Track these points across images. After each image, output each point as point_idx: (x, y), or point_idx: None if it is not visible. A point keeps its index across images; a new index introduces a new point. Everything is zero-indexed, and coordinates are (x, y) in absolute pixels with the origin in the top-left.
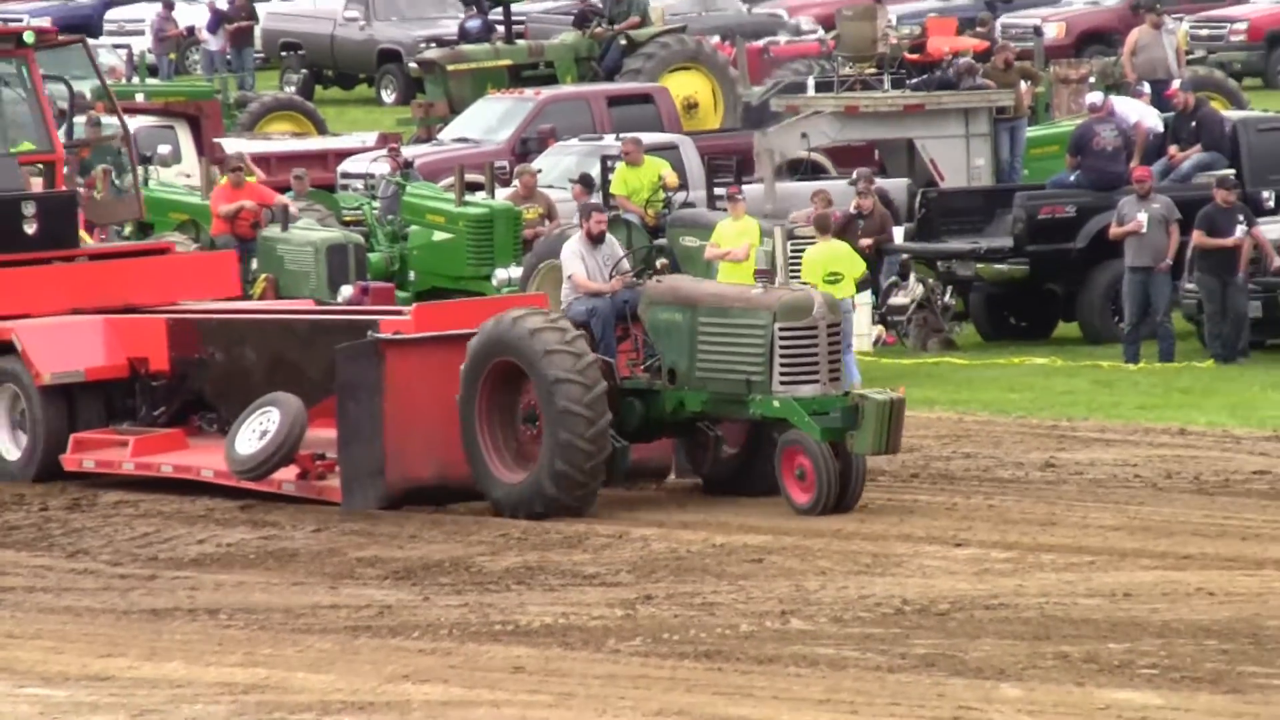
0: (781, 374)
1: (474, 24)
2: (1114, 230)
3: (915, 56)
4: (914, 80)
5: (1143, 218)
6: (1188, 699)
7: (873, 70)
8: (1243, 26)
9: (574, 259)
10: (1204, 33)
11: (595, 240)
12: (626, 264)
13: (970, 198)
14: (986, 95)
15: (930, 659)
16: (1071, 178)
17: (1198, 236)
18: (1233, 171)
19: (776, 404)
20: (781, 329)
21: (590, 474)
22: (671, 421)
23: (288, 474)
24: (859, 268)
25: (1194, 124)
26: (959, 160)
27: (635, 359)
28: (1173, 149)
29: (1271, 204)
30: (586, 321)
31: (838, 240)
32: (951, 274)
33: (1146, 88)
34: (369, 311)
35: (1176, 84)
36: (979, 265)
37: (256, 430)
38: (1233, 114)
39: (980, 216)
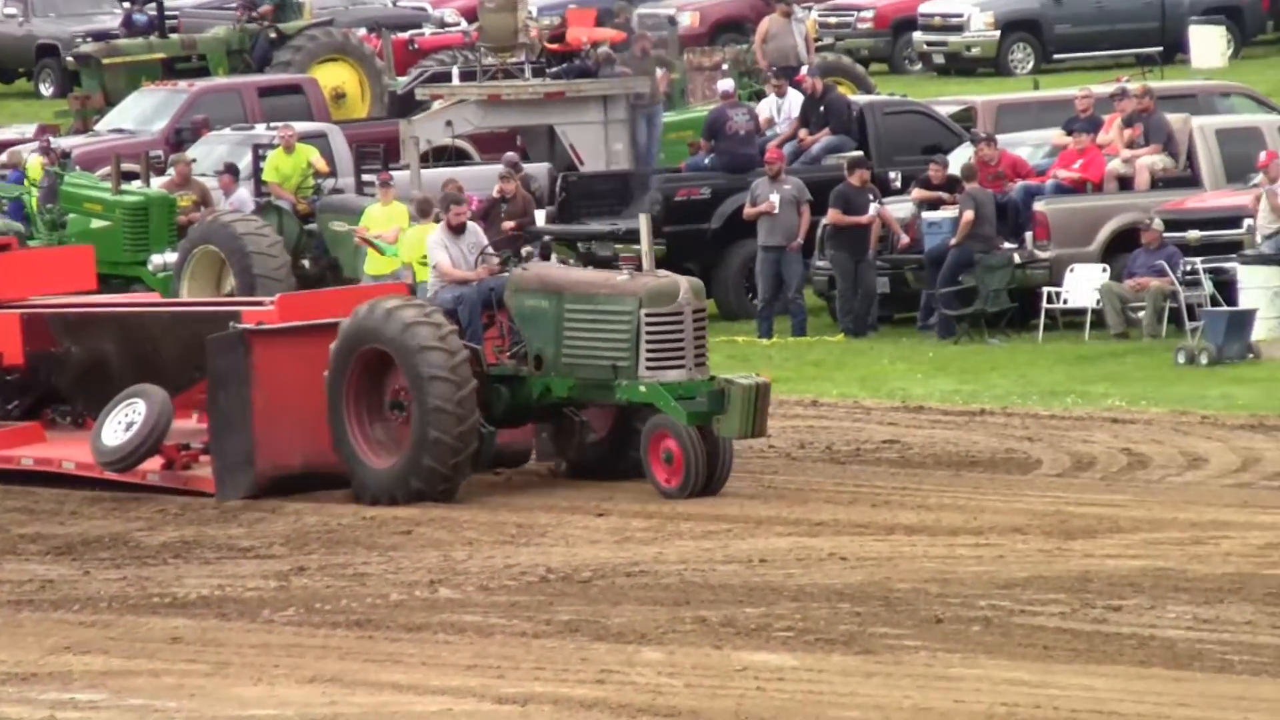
0: (648, 359)
1: (140, 18)
2: (748, 211)
3: (555, 46)
4: (554, 69)
5: (775, 199)
6: (821, 660)
7: (514, 60)
8: (869, 15)
9: (438, 248)
10: (832, 21)
11: (456, 230)
12: (492, 251)
13: (609, 181)
14: (624, 83)
15: (574, 625)
16: (706, 161)
17: (834, 215)
18: (861, 153)
19: (643, 389)
20: (648, 315)
21: (455, 469)
22: (538, 407)
23: (153, 465)
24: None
25: (823, 108)
26: (598, 145)
27: (501, 345)
28: (803, 132)
29: (899, 184)
30: (454, 309)
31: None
32: (591, 254)
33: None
34: (231, 303)
35: (805, 70)
36: (618, 245)
37: (122, 422)
38: (860, 98)
39: (619, 199)
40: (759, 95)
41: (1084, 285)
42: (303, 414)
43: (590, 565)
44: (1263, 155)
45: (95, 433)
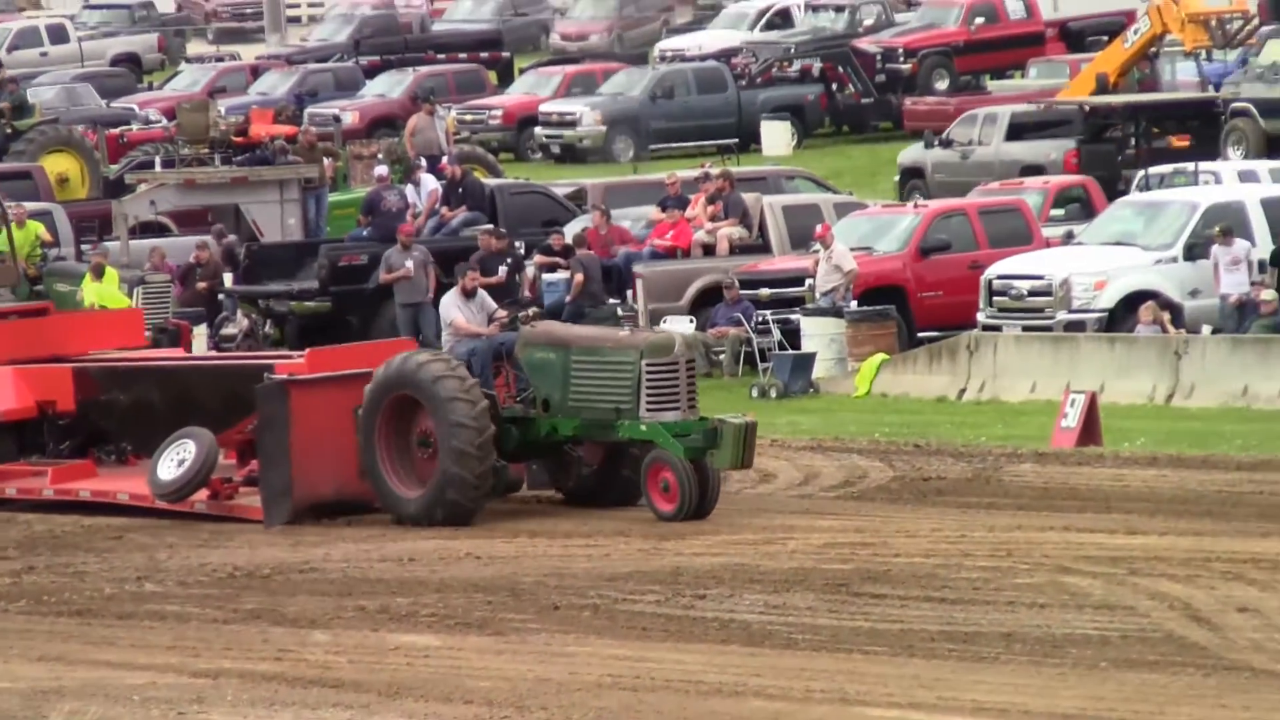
0: (648, 403)
1: None
2: (383, 277)
3: (240, 139)
4: (239, 158)
5: (409, 264)
6: (460, 640)
7: (206, 150)
8: (499, 113)
9: (452, 308)
10: (469, 117)
11: (469, 294)
12: (502, 313)
13: (285, 250)
14: (296, 169)
15: (256, 612)
16: (365, 233)
17: (472, 277)
18: (492, 226)
19: (644, 428)
20: (648, 364)
21: (476, 502)
22: (544, 444)
23: (200, 495)
24: (121, 301)
25: (461, 190)
26: (275, 220)
27: (510, 392)
28: (445, 210)
29: (523, 252)
30: (468, 361)
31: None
32: (270, 310)
33: (424, 162)
34: (264, 357)
35: (446, 159)
36: (292, 303)
37: (175, 459)
38: (491, 181)
39: (293, 264)
40: (407, 179)
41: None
42: (332, 450)
43: (269, 564)
44: (819, 227)
45: (151, 469)
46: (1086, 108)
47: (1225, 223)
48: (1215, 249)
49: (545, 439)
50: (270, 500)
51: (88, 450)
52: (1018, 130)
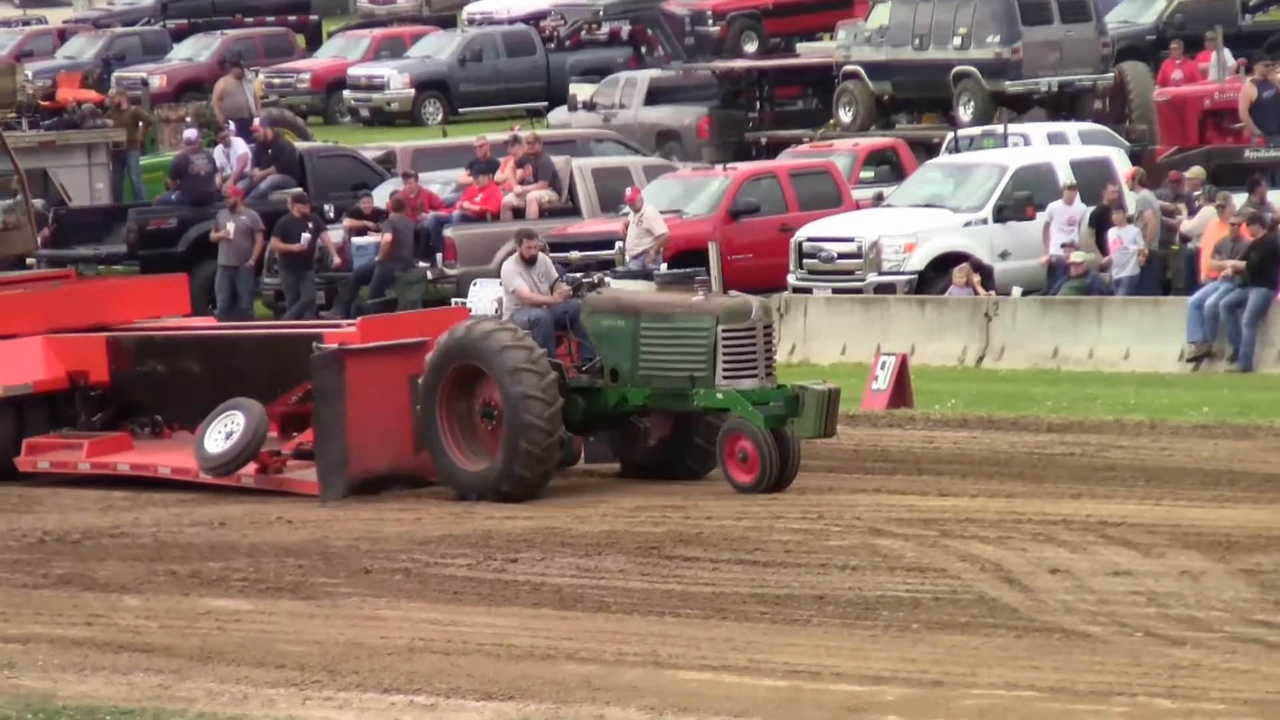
0: (725, 370)
1: None
2: (214, 235)
3: (48, 103)
4: (46, 122)
5: (230, 227)
6: (272, 604)
7: (13, 114)
8: (307, 76)
9: (514, 276)
10: (277, 81)
11: (529, 261)
12: (564, 281)
13: (93, 214)
14: (105, 133)
15: (67, 578)
16: (173, 196)
17: (275, 242)
18: (301, 189)
19: (720, 396)
20: (724, 330)
21: (543, 477)
22: (612, 415)
23: (248, 469)
24: None
25: (270, 153)
26: (84, 184)
27: (573, 362)
28: (255, 173)
29: (333, 215)
30: (530, 330)
31: None
32: (80, 274)
33: (233, 126)
34: (311, 326)
35: (257, 121)
36: (100, 267)
37: (222, 432)
38: (301, 145)
39: (102, 229)
40: (216, 142)
41: (484, 296)
42: (388, 423)
43: (79, 529)
44: (629, 190)
45: (198, 442)
46: (718, 73)
47: (1071, 181)
48: (1053, 206)
49: (614, 410)
50: (327, 474)
51: (119, 423)
52: (657, 95)
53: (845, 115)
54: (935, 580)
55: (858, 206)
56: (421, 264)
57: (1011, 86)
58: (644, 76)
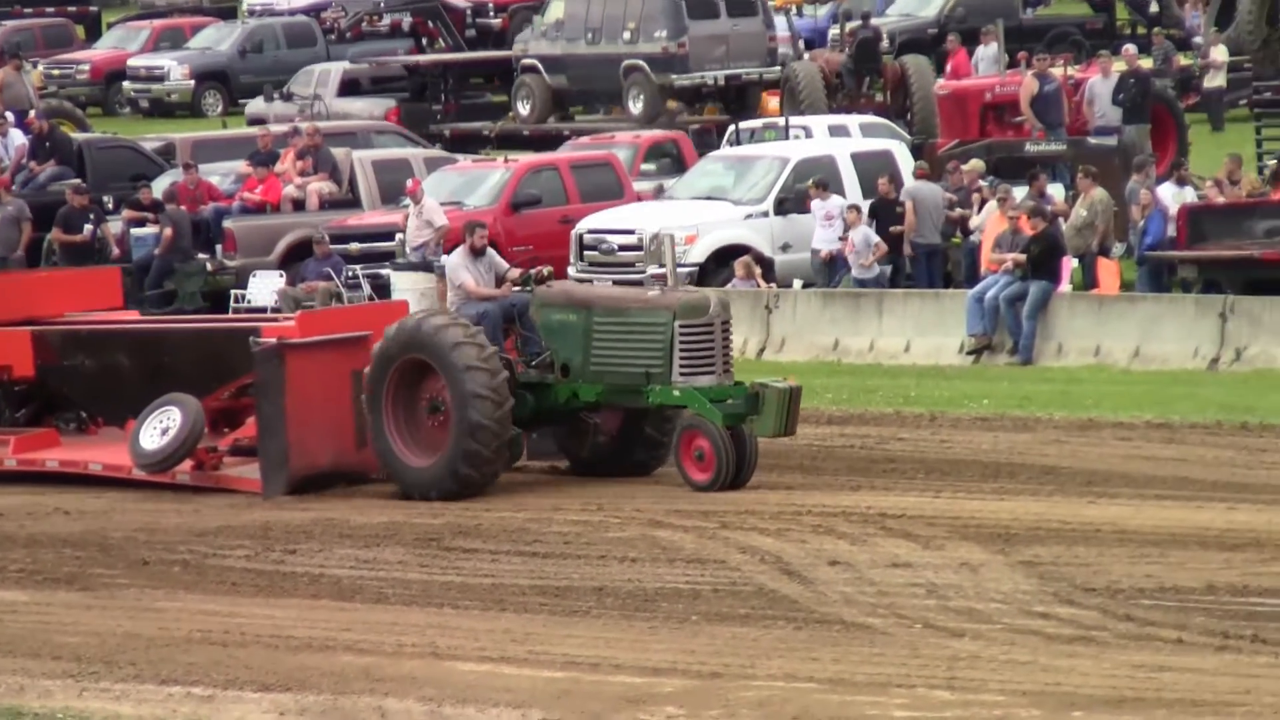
0: (682, 367)
1: None
2: None
3: None
4: None
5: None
6: (49, 595)
7: None
8: (86, 67)
9: (460, 270)
10: (56, 72)
11: (477, 253)
12: (514, 273)
13: None
14: None
15: None
16: None
17: (57, 233)
18: (80, 181)
19: (677, 393)
20: (682, 326)
21: (489, 476)
22: (562, 411)
23: (184, 466)
24: None
25: (48, 144)
26: None
27: (520, 356)
28: (32, 164)
29: (111, 206)
30: (478, 323)
31: None
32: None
33: (11, 116)
34: (247, 320)
35: (32, 114)
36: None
37: (158, 428)
38: (79, 136)
39: None
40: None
41: (265, 288)
42: (329, 418)
43: None
44: (410, 182)
45: (133, 438)
46: (407, 66)
47: (820, 175)
48: (814, 203)
49: (564, 406)
50: (269, 470)
51: (43, 419)
52: (350, 87)
53: (523, 108)
54: (715, 572)
55: (639, 199)
56: (201, 255)
57: (679, 80)
58: (337, 68)
